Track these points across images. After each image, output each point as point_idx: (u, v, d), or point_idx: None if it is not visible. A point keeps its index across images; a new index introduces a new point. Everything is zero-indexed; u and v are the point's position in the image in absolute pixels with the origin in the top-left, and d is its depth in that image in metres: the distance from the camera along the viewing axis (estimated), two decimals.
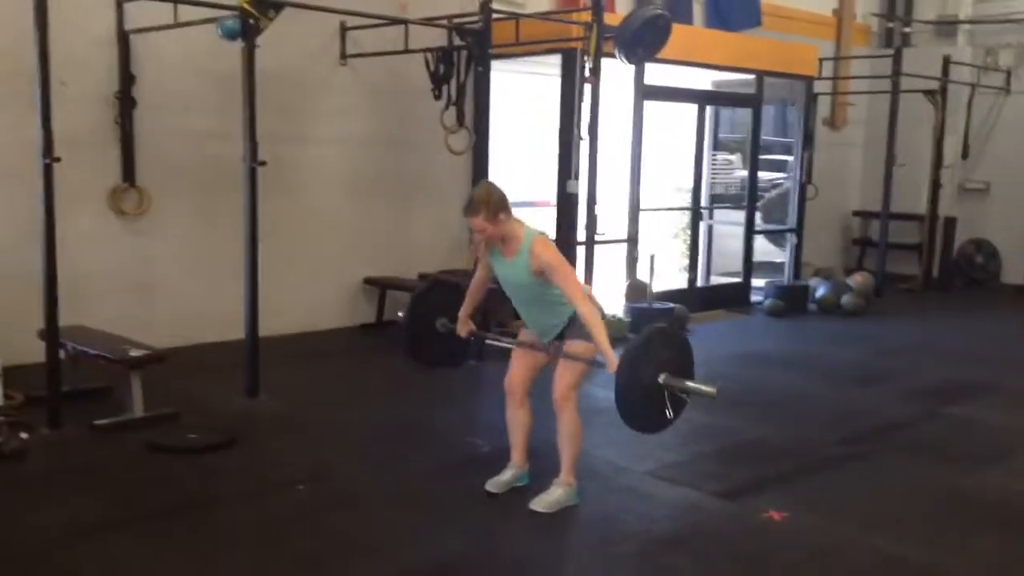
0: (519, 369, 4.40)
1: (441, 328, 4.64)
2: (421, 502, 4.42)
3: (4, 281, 6.05)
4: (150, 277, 6.94)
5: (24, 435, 4.78)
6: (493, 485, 4.45)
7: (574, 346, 4.17)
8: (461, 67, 7.21)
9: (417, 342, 4.69)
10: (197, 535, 3.97)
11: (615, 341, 7.83)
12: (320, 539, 3.98)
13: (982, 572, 3.82)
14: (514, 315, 4.59)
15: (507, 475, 4.48)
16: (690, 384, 3.86)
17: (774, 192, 11.59)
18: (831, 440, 5.44)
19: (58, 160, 4.92)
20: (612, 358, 3.86)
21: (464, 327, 4.54)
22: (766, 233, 10.94)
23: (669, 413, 3.90)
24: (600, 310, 4.16)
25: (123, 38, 6.63)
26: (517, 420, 4.44)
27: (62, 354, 5.43)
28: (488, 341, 4.68)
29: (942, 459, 5.19)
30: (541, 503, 4.26)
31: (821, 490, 4.71)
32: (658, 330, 3.96)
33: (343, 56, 7.79)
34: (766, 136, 11.28)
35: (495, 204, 4.07)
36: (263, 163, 5.67)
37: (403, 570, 3.71)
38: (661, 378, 3.83)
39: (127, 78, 6.68)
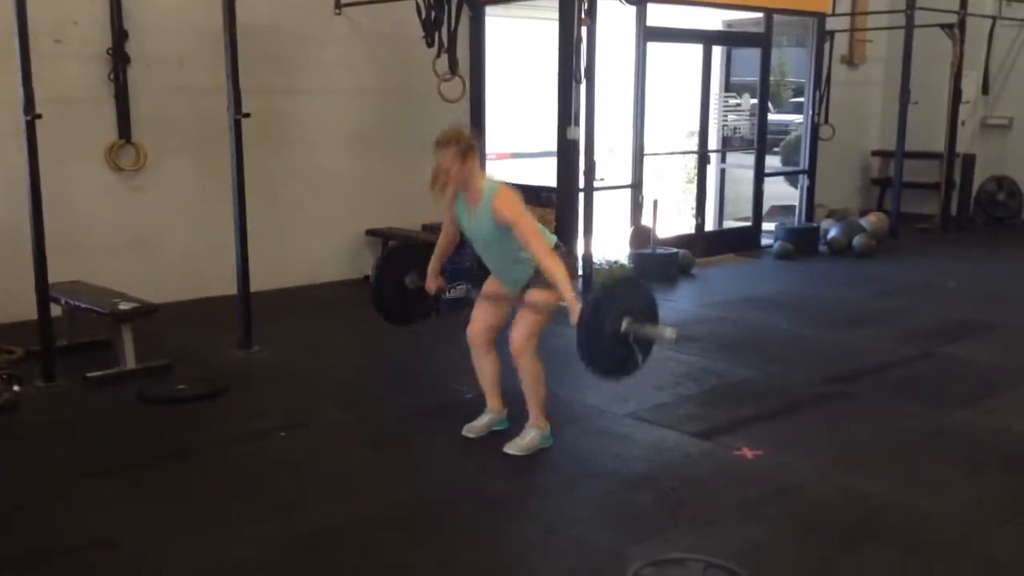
0: (481, 320, 4.42)
1: (410, 284, 4.68)
2: (401, 447, 4.50)
3: (6, 239, 6.18)
4: (149, 232, 7.04)
5: (16, 387, 4.92)
6: (469, 430, 4.52)
7: (536, 294, 4.17)
8: (453, 12, 7.14)
9: (386, 299, 4.73)
10: (180, 481, 4.08)
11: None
12: (298, 483, 4.07)
13: (945, 508, 3.80)
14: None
15: (483, 420, 4.54)
16: (649, 329, 3.85)
17: (793, 134, 11.43)
18: (817, 380, 5.42)
19: (39, 117, 4.98)
20: (576, 307, 3.84)
21: (433, 281, 4.57)
22: (784, 175, 10.79)
23: (637, 359, 3.90)
24: (565, 257, 4.16)
25: None
26: (484, 368, 4.49)
27: (58, 309, 5.56)
28: (453, 295, 4.71)
29: (927, 398, 5.15)
30: (515, 447, 4.30)
31: (799, 429, 4.71)
32: (621, 280, 3.98)
33: (338, 6, 7.75)
34: (798, 78, 11.06)
35: (466, 144, 4.08)
36: (247, 115, 5.71)
37: (378, 510, 3.79)
38: (624, 324, 3.82)
39: (120, 34, 6.72)
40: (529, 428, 4.34)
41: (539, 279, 4.13)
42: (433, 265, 4.55)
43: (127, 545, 3.48)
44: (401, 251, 4.77)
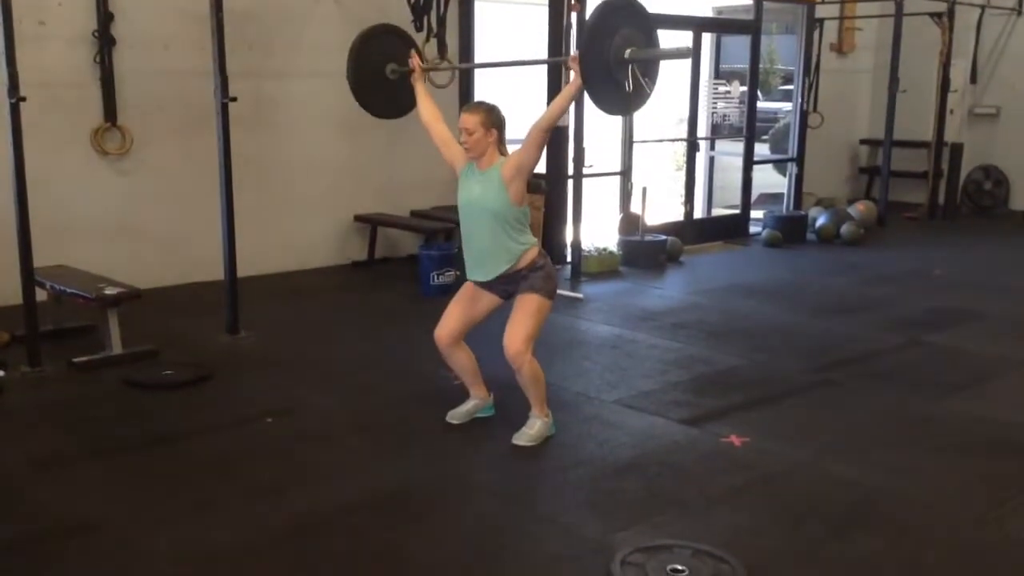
0: (451, 322, 4.32)
1: (391, 75, 4.61)
2: (387, 433, 4.48)
3: None
4: (135, 216, 6.98)
5: (1, 372, 4.89)
6: (454, 416, 4.50)
7: (527, 298, 4.14)
8: None
9: (364, 89, 4.68)
10: (164, 466, 4.06)
11: (606, 274, 7.89)
12: (284, 468, 4.06)
13: (933, 495, 3.82)
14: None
15: (468, 405, 4.53)
16: (659, 50, 3.81)
17: (782, 122, 11.44)
18: (806, 368, 5.44)
19: (23, 99, 4.94)
20: (576, 74, 3.86)
21: (417, 63, 4.59)
22: (773, 163, 10.80)
23: (646, 87, 3.88)
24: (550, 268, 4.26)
25: None
26: (458, 362, 4.43)
27: (44, 294, 5.52)
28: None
29: (915, 386, 5.17)
30: (524, 437, 4.25)
31: (787, 416, 4.72)
32: (610, 6, 3.85)
33: None
34: (787, 66, 11.05)
35: (496, 119, 4.12)
36: (233, 99, 5.67)
37: (365, 496, 3.77)
38: (627, 53, 3.78)
39: (105, 16, 6.65)
40: (535, 418, 4.31)
41: (525, 277, 4.13)
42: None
43: (112, 530, 3.47)
44: (377, 39, 4.63)
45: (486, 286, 4.29)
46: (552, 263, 4.30)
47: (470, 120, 4.09)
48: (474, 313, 4.33)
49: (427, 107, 4.52)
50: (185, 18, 6.82)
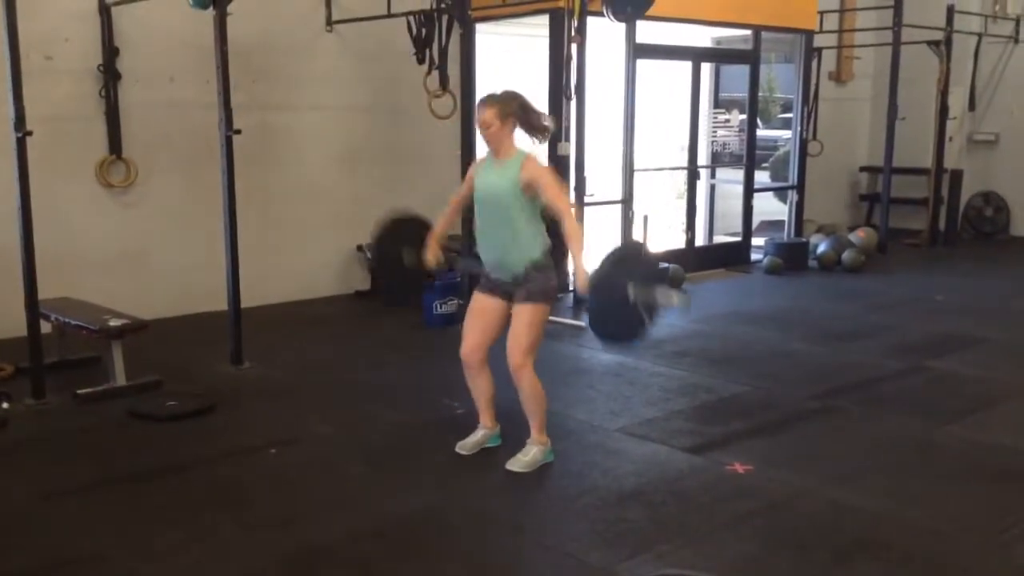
0: (473, 337, 4.36)
1: (408, 263, 4.61)
2: (391, 462, 4.49)
3: None
4: (140, 248, 7.03)
5: (6, 405, 4.90)
6: (463, 447, 4.50)
7: (523, 309, 4.18)
8: (443, 29, 7.17)
9: (385, 278, 4.78)
10: (170, 497, 4.06)
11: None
12: (288, 498, 4.06)
13: (936, 522, 3.81)
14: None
15: (477, 436, 4.53)
16: (657, 294, 3.96)
17: (782, 150, 11.50)
18: (807, 395, 5.44)
19: (30, 133, 4.99)
20: (584, 275, 3.97)
21: (433, 254, 4.51)
22: (773, 191, 10.84)
23: (646, 321, 3.98)
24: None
25: (105, 10, 6.67)
26: (478, 386, 4.46)
27: (48, 326, 5.54)
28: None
29: (917, 413, 5.16)
30: (518, 463, 4.28)
31: (790, 444, 4.72)
32: (626, 247, 4.00)
33: (329, 22, 7.79)
34: (786, 95, 11.12)
35: (510, 108, 4.20)
36: (238, 131, 5.72)
37: (367, 525, 3.78)
38: (631, 292, 3.89)
39: (111, 51, 6.73)
40: (531, 444, 4.33)
41: (528, 284, 4.16)
42: (438, 230, 4.53)
43: (118, 561, 3.47)
44: (396, 224, 4.69)
45: (491, 290, 4.32)
46: (554, 265, 4.34)
47: (487, 113, 4.18)
48: (488, 322, 4.33)
49: (453, 216, 4.64)
50: (190, 52, 6.90)
